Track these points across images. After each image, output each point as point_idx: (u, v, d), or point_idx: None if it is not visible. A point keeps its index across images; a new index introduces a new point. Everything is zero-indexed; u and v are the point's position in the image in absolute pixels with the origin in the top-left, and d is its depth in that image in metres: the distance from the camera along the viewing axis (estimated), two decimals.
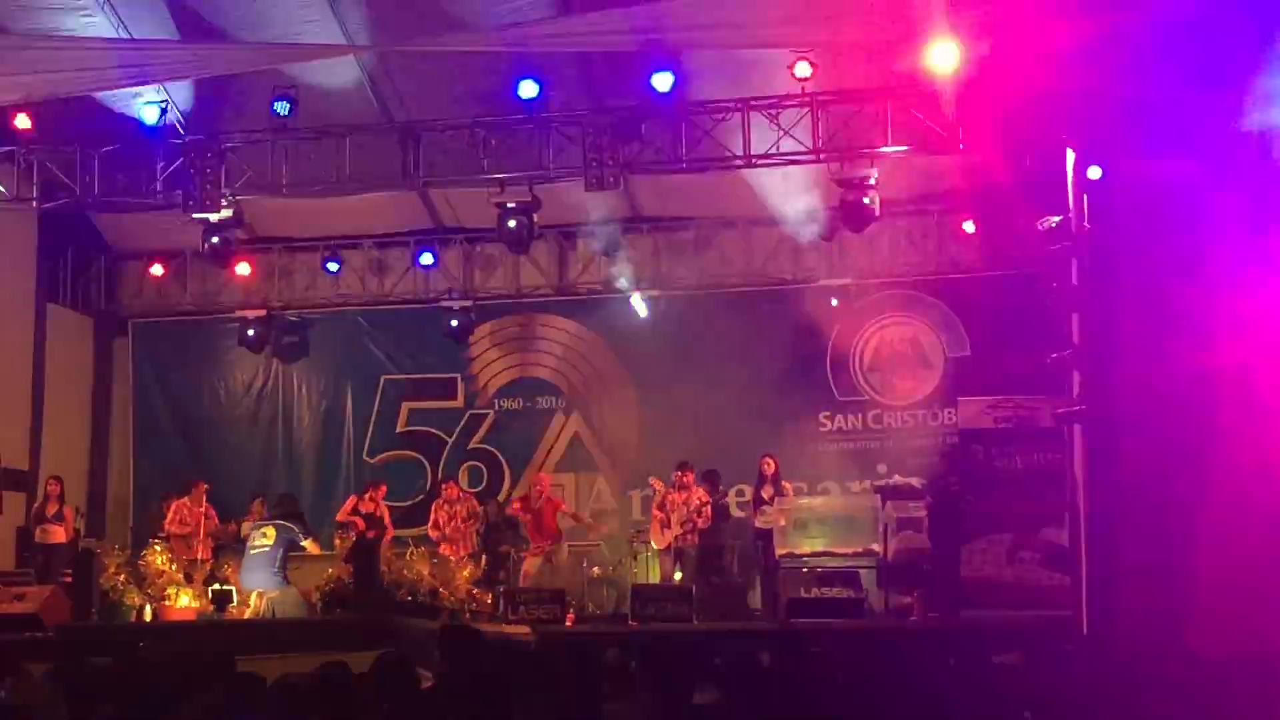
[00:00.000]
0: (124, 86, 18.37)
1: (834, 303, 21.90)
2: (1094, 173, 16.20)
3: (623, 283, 22.27)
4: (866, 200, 18.54)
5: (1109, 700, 6.42)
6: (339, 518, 20.54)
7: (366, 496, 20.56)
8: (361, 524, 19.82)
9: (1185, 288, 15.06)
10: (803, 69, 17.83)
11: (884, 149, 18.30)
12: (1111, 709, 6.09)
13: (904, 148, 18.33)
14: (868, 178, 18.50)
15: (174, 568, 19.51)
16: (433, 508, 21.17)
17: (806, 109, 18.45)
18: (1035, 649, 11.88)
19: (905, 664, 7.55)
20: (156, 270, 23.50)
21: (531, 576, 20.34)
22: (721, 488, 20.76)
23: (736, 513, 21.20)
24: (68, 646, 15.45)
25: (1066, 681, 7.75)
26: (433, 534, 20.79)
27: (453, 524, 20.66)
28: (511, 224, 19.82)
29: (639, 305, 22.42)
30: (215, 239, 20.48)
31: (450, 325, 23.24)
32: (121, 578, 19.26)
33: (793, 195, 20.04)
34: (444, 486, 21.41)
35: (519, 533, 21.12)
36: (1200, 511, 14.80)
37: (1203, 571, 14.63)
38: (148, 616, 18.92)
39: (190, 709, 4.24)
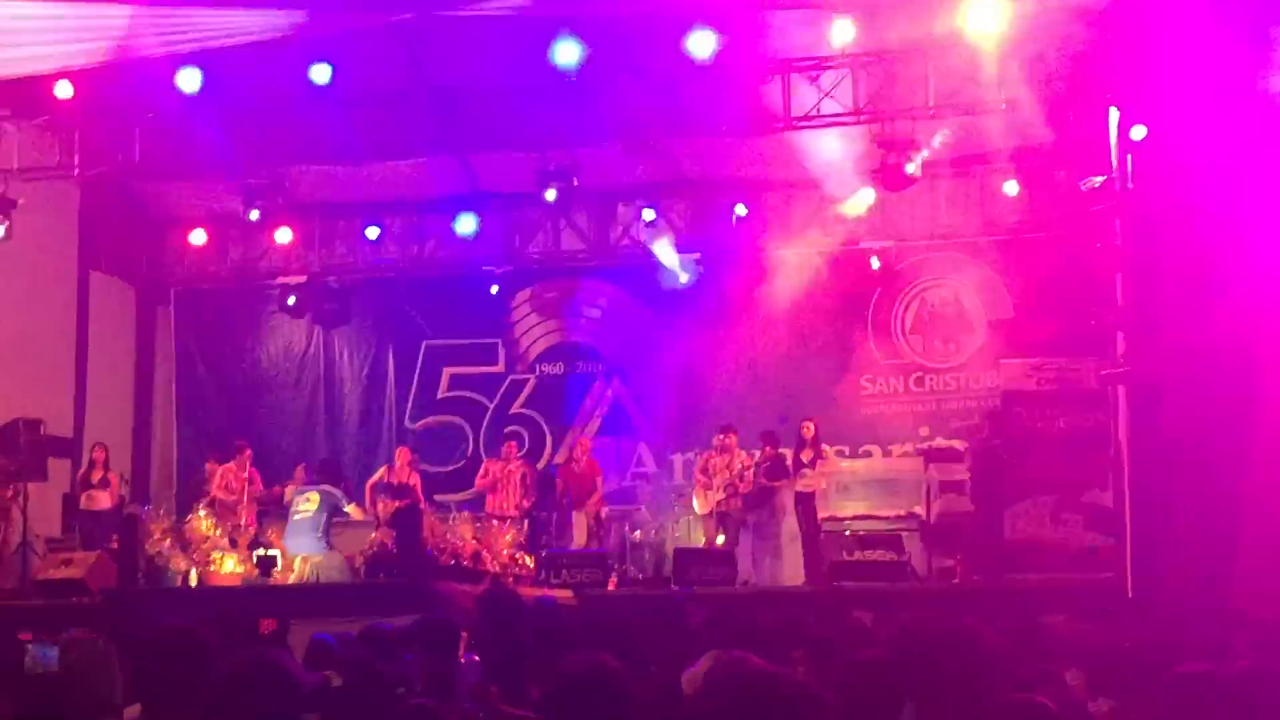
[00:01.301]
0: (163, 53, 18.37)
1: (875, 265, 21.80)
2: (1138, 132, 16.08)
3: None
4: (908, 162, 18.43)
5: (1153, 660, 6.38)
6: (366, 487, 20.55)
7: (398, 465, 20.66)
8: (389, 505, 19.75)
9: (1229, 248, 14.95)
10: (843, 30, 17.71)
11: (925, 110, 18.19)
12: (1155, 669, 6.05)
13: (945, 108, 18.23)
14: (909, 139, 18.38)
15: (218, 533, 19.59)
16: (486, 461, 21.28)
17: (847, 71, 18.34)
18: (1080, 611, 11.87)
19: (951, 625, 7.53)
20: (198, 237, 23.54)
21: (585, 533, 20.44)
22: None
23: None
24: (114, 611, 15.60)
25: (1112, 642, 7.73)
26: (480, 483, 20.85)
27: (506, 481, 20.69)
28: (551, 189, 19.78)
29: (679, 270, 22.35)
30: (256, 206, 20.52)
31: (490, 290, 23.25)
32: (166, 543, 19.30)
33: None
34: (505, 446, 21.50)
35: (558, 498, 21.13)
36: (1244, 472, 14.73)
37: (1247, 532, 14.57)
38: (193, 581, 18.99)
39: (229, 667, 4.25)
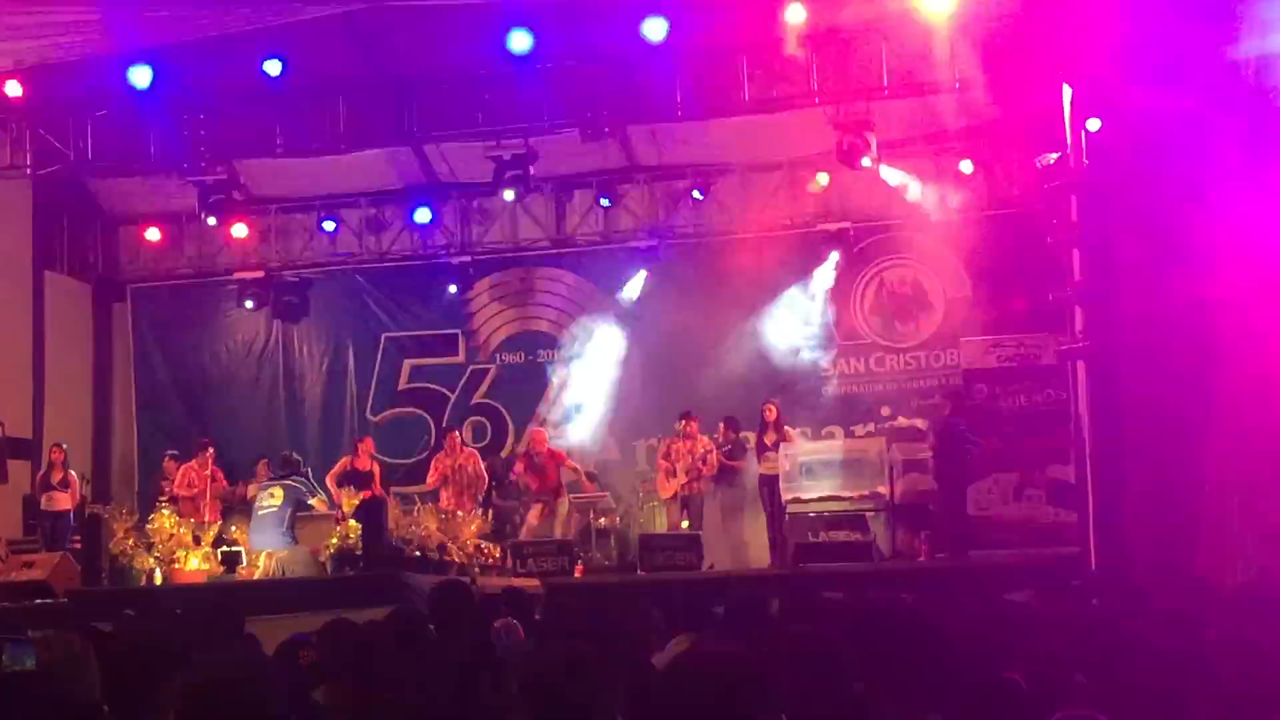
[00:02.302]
0: (114, 50, 18.27)
1: (834, 252, 21.77)
2: (1093, 125, 16.13)
3: None
4: (864, 143, 18.46)
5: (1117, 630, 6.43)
6: (328, 480, 20.43)
7: (362, 455, 20.60)
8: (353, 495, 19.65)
9: (1184, 218, 15.02)
10: (796, 12, 17.71)
11: (880, 90, 18.23)
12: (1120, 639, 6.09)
13: (899, 88, 18.27)
14: (865, 120, 18.42)
15: (182, 531, 19.50)
16: (434, 460, 21.10)
17: (802, 52, 18.35)
18: (1045, 586, 11.93)
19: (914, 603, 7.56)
20: (153, 234, 23.41)
21: (534, 528, 20.31)
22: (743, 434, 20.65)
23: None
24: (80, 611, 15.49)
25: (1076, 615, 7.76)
26: (433, 480, 20.65)
27: (457, 475, 20.55)
28: (509, 189, 19.75)
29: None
30: (211, 201, 20.43)
31: (449, 281, 23.20)
32: (130, 542, 19.21)
33: None
34: (447, 438, 21.31)
35: (519, 488, 21.08)
36: (1204, 442, 14.82)
37: (1208, 502, 14.67)
38: (158, 580, 18.91)
39: (197, 669, 4.24)
